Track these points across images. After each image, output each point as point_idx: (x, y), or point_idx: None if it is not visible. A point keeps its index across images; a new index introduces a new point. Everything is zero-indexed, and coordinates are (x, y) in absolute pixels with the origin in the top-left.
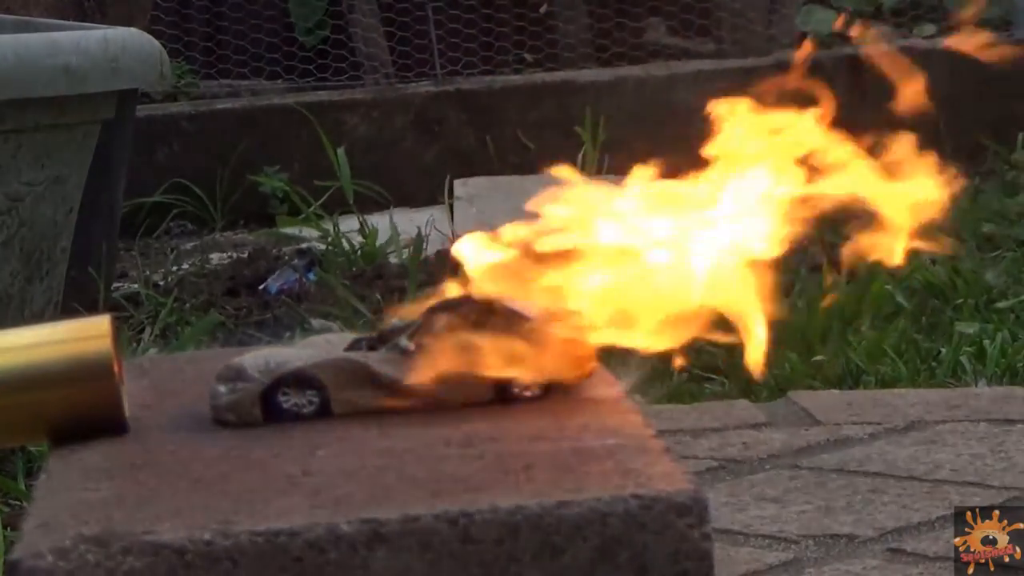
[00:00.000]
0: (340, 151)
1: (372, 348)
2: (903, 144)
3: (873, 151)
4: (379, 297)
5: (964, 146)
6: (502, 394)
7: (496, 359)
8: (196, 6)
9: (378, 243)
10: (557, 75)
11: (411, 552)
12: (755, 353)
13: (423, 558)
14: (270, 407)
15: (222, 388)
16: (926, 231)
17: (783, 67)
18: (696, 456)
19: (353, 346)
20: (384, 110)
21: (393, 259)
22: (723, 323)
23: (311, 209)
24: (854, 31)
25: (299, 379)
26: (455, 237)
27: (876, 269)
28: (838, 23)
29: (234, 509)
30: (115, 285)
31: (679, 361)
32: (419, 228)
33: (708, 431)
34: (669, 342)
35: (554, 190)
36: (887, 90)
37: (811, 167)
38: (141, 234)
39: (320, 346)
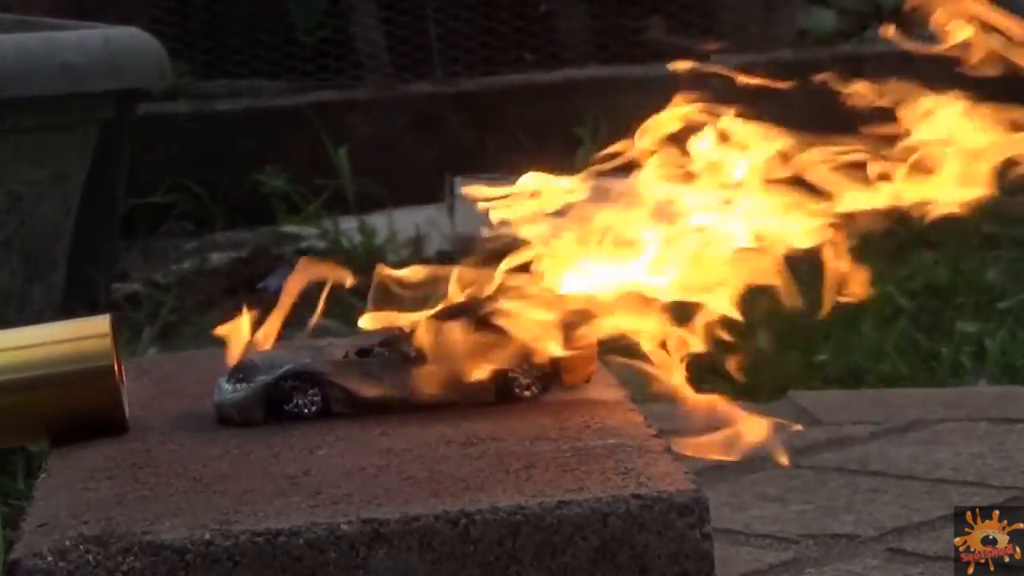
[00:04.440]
0: (341, 151)
1: (369, 353)
2: None
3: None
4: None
5: None
6: (503, 394)
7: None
8: (196, 6)
9: (377, 242)
10: (557, 74)
11: (411, 552)
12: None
13: (423, 558)
14: (273, 406)
15: (227, 386)
16: None
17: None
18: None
19: (355, 349)
20: (384, 110)
21: (392, 258)
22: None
23: (311, 208)
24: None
25: (302, 379)
26: (455, 236)
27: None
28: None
29: (234, 509)
30: (115, 285)
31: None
32: (418, 227)
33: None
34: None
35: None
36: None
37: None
38: (141, 234)
39: (323, 348)
